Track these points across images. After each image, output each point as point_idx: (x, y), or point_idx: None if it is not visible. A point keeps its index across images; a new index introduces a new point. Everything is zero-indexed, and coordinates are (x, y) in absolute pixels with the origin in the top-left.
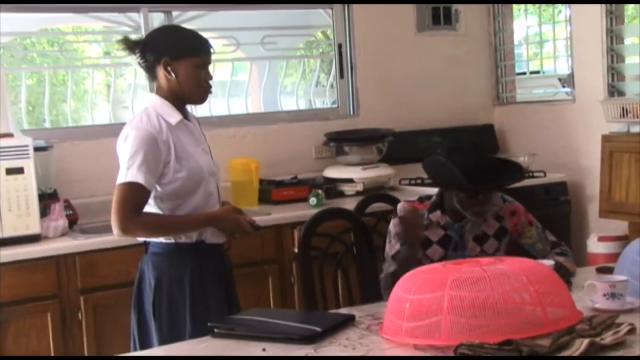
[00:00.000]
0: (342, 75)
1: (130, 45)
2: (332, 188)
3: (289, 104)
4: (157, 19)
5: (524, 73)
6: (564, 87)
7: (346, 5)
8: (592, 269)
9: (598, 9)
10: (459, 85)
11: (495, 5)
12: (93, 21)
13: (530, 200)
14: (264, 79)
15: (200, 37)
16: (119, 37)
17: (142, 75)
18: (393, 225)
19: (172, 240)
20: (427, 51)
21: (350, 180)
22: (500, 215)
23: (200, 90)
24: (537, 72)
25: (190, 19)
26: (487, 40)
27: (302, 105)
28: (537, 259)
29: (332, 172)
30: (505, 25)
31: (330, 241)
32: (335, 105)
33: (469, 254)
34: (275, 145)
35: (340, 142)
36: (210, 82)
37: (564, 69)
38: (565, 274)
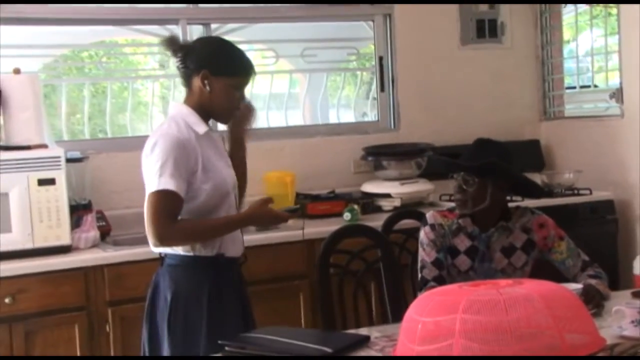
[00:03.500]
0: (382, 89)
1: (176, 47)
2: (369, 203)
3: (343, 117)
4: (197, 31)
5: (574, 87)
6: (615, 102)
7: (388, 17)
8: (628, 293)
9: None
10: (504, 100)
11: (543, 17)
12: (145, 34)
13: (575, 219)
14: (307, 91)
15: (246, 58)
16: (164, 37)
17: None
18: (425, 234)
19: (191, 253)
20: (471, 65)
21: (387, 196)
22: (528, 227)
23: (229, 110)
24: (588, 86)
25: (230, 31)
26: (534, 53)
27: (354, 119)
28: (567, 276)
29: (370, 187)
30: (554, 38)
31: (351, 258)
32: (376, 119)
33: (495, 266)
34: (313, 158)
35: (379, 156)
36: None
37: (616, 83)
38: (596, 298)
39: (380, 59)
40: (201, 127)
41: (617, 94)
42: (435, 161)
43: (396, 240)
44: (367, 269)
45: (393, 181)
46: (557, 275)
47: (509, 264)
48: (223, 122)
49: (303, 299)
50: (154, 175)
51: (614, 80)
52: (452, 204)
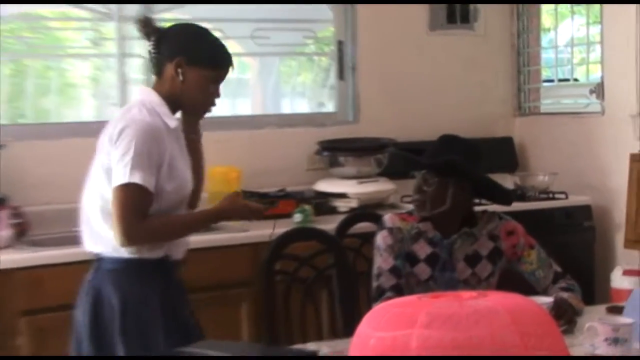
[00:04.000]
0: (341, 77)
1: (149, 30)
2: (323, 203)
3: (298, 106)
4: (134, 8)
5: (552, 80)
6: (595, 97)
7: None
8: (603, 308)
9: (633, 8)
10: (475, 92)
11: (520, 2)
12: (75, 7)
13: (549, 226)
14: (257, 77)
15: (225, 50)
16: (139, 16)
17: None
18: (382, 238)
19: (136, 256)
20: (440, 52)
21: (343, 196)
22: (495, 234)
23: (202, 104)
24: (568, 80)
25: (171, 9)
26: (509, 42)
27: (310, 109)
28: (537, 288)
29: (324, 186)
30: (531, 25)
31: (299, 265)
32: (334, 110)
33: (457, 276)
34: (262, 153)
35: (335, 151)
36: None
37: (597, 77)
38: (568, 313)
39: (340, 43)
40: (172, 121)
41: (598, 89)
42: (396, 158)
43: (351, 245)
44: (318, 277)
45: (350, 180)
46: (527, 287)
47: (473, 274)
48: (193, 117)
49: (245, 309)
50: (122, 166)
51: (596, 74)
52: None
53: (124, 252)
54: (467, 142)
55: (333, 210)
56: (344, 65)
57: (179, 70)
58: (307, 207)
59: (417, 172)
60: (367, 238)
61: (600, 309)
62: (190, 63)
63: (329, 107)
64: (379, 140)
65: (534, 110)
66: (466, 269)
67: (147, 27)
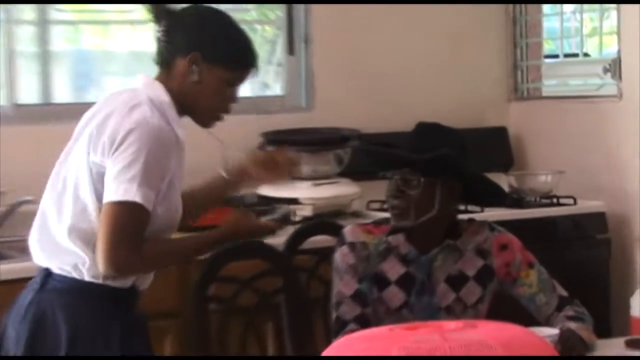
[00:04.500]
0: (291, 51)
1: (160, 13)
2: (268, 211)
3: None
4: None
5: (557, 55)
6: (610, 77)
7: None
8: (622, 342)
9: None
10: (460, 71)
11: None
12: None
13: (552, 238)
14: None
15: (252, 47)
16: None
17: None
18: (342, 257)
19: (99, 281)
20: (417, 22)
21: (294, 201)
22: (485, 249)
23: (215, 110)
24: (576, 55)
25: None
26: (503, 8)
27: (251, 92)
28: (538, 317)
29: (269, 189)
30: None
31: (239, 289)
32: (282, 93)
33: (438, 302)
34: (191, 147)
35: (283, 145)
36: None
37: (613, 52)
38: (577, 347)
39: (289, 8)
40: (181, 129)
41: (614, 67)
42: (364, 153)
43: (304, 264)
44: (262, 304)
45: (303, 181)
46: (525, 316)
47: (457, 299)
48: (202, 123)
49: (170, 344)
50: (126, 179)
51: (611, 48)
52: (382, 215)
53: (85, 274)
54: (451, 131)
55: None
56: (294, 36)
57: (194, 67)
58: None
59: (394, 171)
60: (325, 255)
61: (618, 342)
62: (208, 60)
63: (275, 89)
64: (339, 131)
65: (533, 94)
66: (449, 292)
67: (157, 9)
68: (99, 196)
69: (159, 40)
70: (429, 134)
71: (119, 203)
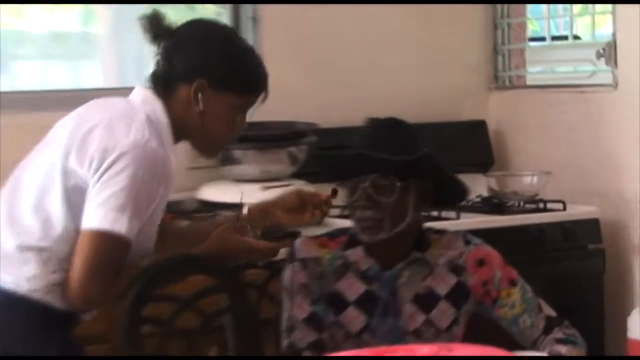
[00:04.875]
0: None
1: (159, 30)
2: (211, 218)
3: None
4: None
5: (543, 38)
6: (605, 63)
7: None
8: None
9: None
10: (432, 56)
11: None
12: None
13: (538, 249)
14: (112, 32)
15: (262, 69)
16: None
17: None
18: (292, 275)
19: (39, 298)
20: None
21: (241, 208)
22: (459, 264)
23: (222, 138)
24: (565, 37)
25: None
26: None
27: None
28: (522, 341)
29: (212, 193)
30: None
31: (178, 310)
32: None
33: (405, 325)
34: None
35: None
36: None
37: (608, 34)
38: None
39: None
40: (174, 156)
41: (609, 52)
42: (320, 161)
43: (253, 281)
44: (205, 326)
45: (251, 183)
46: (508, 339)
47: (427, 321)
48: (207, 152)
49: None
50: (112, 207)
51: (605, 29)
52: (344, 223)
53: (25, 285)
54: (410, 125)
55: None
56: (240, 15)
57: (200, 95)
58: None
59: (362, 177)
60: (277, 269)
61: None
62: (215, 87)
63: None
64: (293, 125)
65: (516, 83)
66: (417, 314)
67: (156, 28)
68: (73, 213)
69: (157, 63)
70: (391, 130)
71: (104, 233)
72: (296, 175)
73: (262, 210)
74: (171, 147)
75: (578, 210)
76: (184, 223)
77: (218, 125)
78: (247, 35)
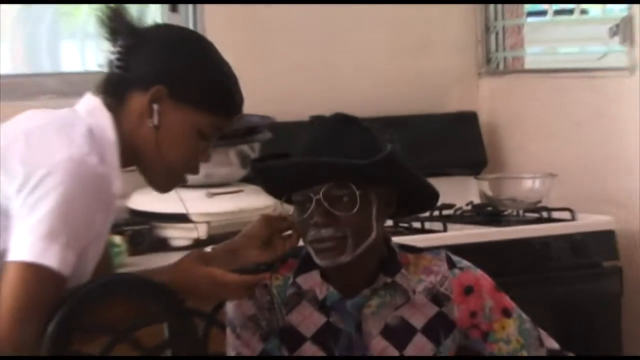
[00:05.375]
0: (173, 8)
1: (118, 26)
2: (145, 232)
3: (95, 61)
4: None
5: (544, 13)
6: (618, 43)
7: None
8: None
9: None
10: (411, 36)
11: None
12: None
13: (542, 267)
14: (19, 11)
15: (236, 87)
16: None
17: None
18: (237, 306)
19: None
20: None
21: (182, 218)
22: (442, 293)
23: (179, 168)
24: (570, 12)
25: None
26: None
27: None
28: None
29: (145, 201)
30: None
31: (111, 343)
32: None
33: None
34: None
35: None
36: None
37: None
38: None
39: None
40: (118, 183)
41: (623, 29)
42: (257, 174)
43: (200, 307)
44: None
45: (193, 190)
46: None
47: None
48: (158, 185)
49: None
50: (43, 233)
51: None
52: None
53: None
54: (365, 123)
55: (163, 245)
56: None
57: (155, 106)
58: (118, 239)
59: (311, 188)
60: None
61: None
62: (176, 97)
63: None
64: (244, 119)
65: (512, 66)
66: (388, 350)
67: (115, 21)
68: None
69: (111, 63)
70: (342, 129)
71: (32, 266)
72: (248, 180)
73: (229, 252)
74: (116, 169)
75: (589, 220)
76: None
77: (175, 147)
78: (187, 12)
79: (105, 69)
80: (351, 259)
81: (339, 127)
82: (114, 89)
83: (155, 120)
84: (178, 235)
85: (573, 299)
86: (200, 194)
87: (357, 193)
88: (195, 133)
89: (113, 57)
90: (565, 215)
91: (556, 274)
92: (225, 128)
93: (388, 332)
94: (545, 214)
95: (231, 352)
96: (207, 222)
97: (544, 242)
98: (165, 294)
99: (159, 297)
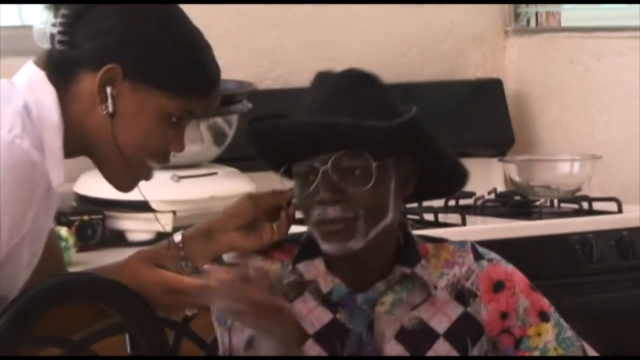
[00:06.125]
0: None
1: None
2: (97, 223)
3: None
4: None
5: None
6: None
7: None
8: None
9: None
10: None
11: None
12: None
13: (583, 270)
14: None
15: (211, 64)
16: None
17: None
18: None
19: None
20: None
21: (141, 207)
22: (467, 288)
23: (144, 161)
24: None
25: None
26: None
27: None
28: None
29: (97, 186)
30: None
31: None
32: None
33: None
34: None
35: None
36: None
37: None
38: None
39: None
40: (58, 173)
41: None
42: (251, 137)
43: (167, 313)
44: None
45: (156, 171)
46: None
47: None
48: (117, 183)
49: None
50: None
51: None
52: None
53: None
54: (379, 86)
55: (119, 240)
56: None
57: (109, 89)
58: (63, 231)
59: (320, 157)
60: None
61: None
62: (133, 77)
63: None
64: (222, 85)
65: (547, 23)
66: (403, 355)
67: None
68: None
69: (52, 37)
70: (356, 87)
71: None
72: (222, 160)
73: (205, 233)
74: (56, 159)
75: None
76: None
77: (135, 137)
78: None
79: (46, 45)
80: (362, 246)
81: (352, 84)
82: (57, 68)
83: (110, 106)
84: (137, 227)
85: (619, 308)
86: (164, 177)
87: (374, 165)
88: (160, 119)
89: (55, 29)
90: (611, 206)
91: (599, 277)
92: (198, 110)
93: (404, 336)
94: (585, 205)
95: (221, 349)
96: (173, 212)
97: (584, 239)
98: (130, 298)
99: (124, 303)
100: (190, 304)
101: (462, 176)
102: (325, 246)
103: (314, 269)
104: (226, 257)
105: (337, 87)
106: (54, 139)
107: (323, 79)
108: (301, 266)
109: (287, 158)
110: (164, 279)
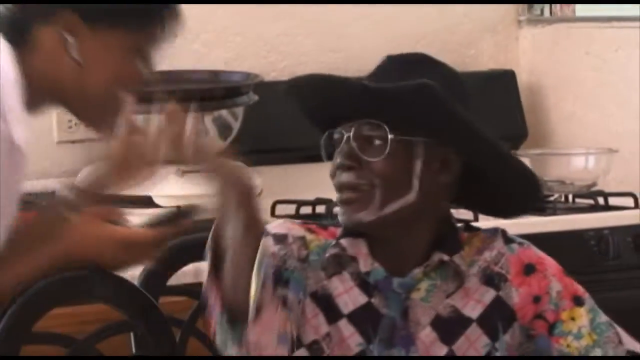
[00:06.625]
0: None
1: None
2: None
3: None
4: None
5: None
6: None
7: None
8: None
9: None
10: None
11: None
12: None
13: (598, 267)
14: None
15: None
16: None
17: None
18: (265, 249)
19: None
20: None
21: (144, 202)
22: (497, 272)
23: (115, 98)
24: None
25: None
26: None
27: None
28: None
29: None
30: None
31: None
32: None
33: (419, 353)
34: None
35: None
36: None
37: None
38: None
39: None
40: (19, 128)
41: None
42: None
43: (175, 312)
44: None
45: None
46: None
47: (450, 353)
48: (95, 124)
49: None
50: None
51: None
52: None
53: None
54: (441, 65)
55: None
56: None
57: (70, 38)
58: None
59: (344, 126)
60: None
61: None
62: (91, 21)
63: None
64: (225, 77)
65: (561, 13)
66: (436, 345)
67: None
68: None
69: None
70: (412, 65)
71: None
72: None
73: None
74: (14, 114)
75: None
76: None
77: (106, 78)
78: None
79: None
80: (374, 220)
81: (414, 64)
82: (12, 27)
83: (75, 55)
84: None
85: (636, 306)
86: (168, 171)
87: (389, 136)
88: (126, 56)
89: None
90: (628, 201)
91: (615, 274)
92: (163, 38)
93: (438, 323)
94: (601, 200)
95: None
96: (177, 207)
97: (600, 235)
98: (135, 296)
99: (128, 300)
100: (148, 257)
101: (527, 181)
102: (340, 217)
103: (356, 247)
104: (275, 224)
105: (392, 62)
106: (11, 96)
107: (386, 59)
108: (345, 241)
109: (328, 123)
110: (115, 233)
